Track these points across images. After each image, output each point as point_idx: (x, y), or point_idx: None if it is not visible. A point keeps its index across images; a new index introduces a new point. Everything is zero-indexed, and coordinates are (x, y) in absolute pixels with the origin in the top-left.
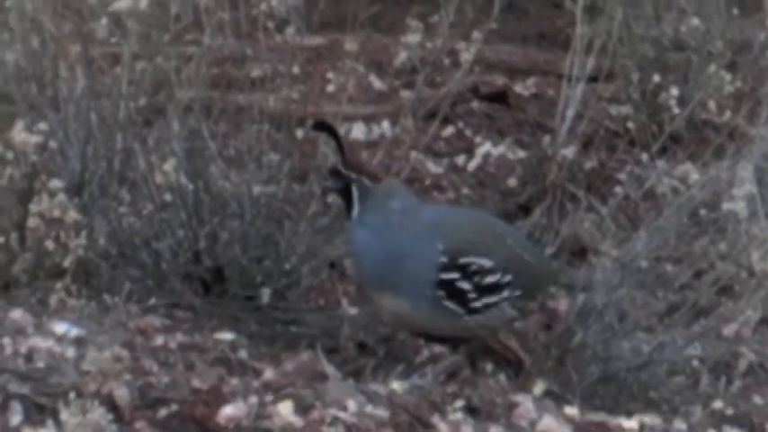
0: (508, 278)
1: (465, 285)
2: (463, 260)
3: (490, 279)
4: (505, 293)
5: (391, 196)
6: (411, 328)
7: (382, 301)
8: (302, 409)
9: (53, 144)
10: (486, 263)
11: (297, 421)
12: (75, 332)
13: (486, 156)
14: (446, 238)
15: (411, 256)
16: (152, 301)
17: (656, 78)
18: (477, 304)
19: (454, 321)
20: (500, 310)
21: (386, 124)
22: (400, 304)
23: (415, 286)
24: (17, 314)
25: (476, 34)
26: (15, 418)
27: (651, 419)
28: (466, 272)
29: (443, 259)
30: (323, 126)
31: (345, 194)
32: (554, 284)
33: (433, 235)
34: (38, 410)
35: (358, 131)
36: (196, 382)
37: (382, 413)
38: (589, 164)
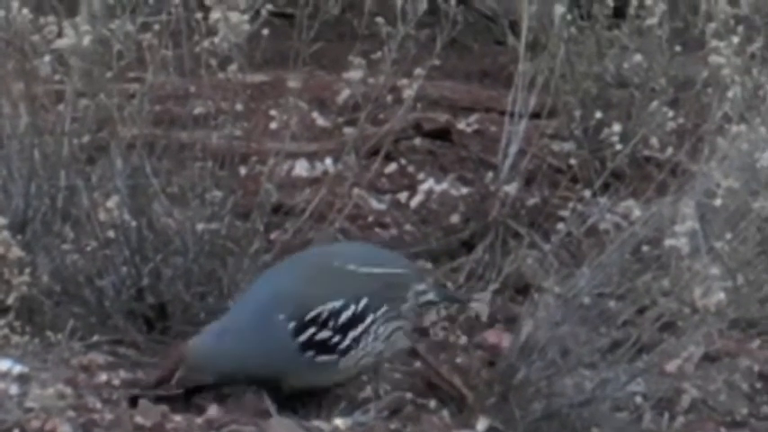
0: (363, 303)
1: (324, 334)
2: (310, 315)
3: (344, 316)
4: (369, 318)
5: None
6: (323, 390)
7: (285, 384)
8: None
9: None
10: (335, 304)
11: None
12: (18, 369)
13: (429, 192)
14: (283, 305)
15: (265, 342)
16: (95, 338)
17: (599, 115)
18: (346, 342)
19: (335, 369)
20: (374, 333)
21: (329, 161)
22: (292, 382)
23: (288, 362)
24: None
25: (418, 71)
26: None
27: None
28: (318, 322)
29: (292, 325)
30: None
31: None
32: (420, 282)
33: (271, 311)
34: None
35: (301, 168)
36: (139, 419)
37: None
38: (532, 200)
